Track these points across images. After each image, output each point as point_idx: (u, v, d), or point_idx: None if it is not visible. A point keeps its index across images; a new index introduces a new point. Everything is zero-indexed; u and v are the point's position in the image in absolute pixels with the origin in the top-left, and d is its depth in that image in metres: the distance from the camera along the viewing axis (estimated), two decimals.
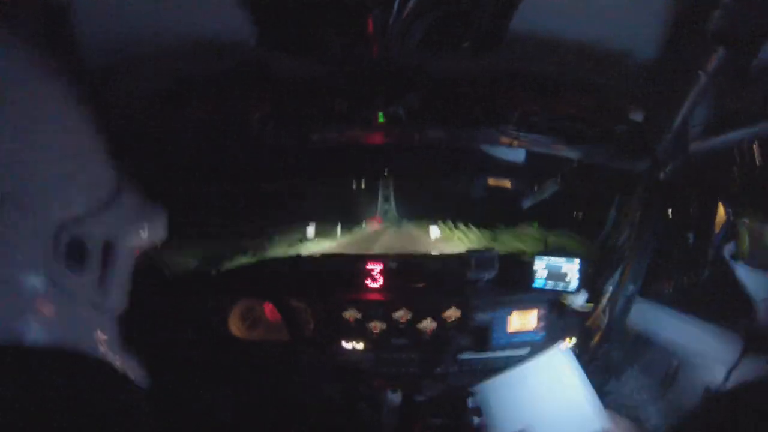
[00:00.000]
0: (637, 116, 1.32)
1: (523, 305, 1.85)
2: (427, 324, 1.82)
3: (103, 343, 0.55)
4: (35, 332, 0.45)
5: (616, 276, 1.67)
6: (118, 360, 0.56)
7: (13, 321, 0.45)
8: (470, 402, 1.49)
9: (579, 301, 1.79)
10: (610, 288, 1.69)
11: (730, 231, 1.26)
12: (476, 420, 1.50)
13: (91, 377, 0.49)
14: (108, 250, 0.54)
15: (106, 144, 0.57)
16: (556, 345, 1.48)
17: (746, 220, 1.14)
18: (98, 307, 0.54)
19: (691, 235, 1.47)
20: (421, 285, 1.98)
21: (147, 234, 0.65)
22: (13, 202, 0.43)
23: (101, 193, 0.55)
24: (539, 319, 1.84)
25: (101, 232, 0.53)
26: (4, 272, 0.44)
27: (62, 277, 0.47)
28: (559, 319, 1.87)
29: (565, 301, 1.82)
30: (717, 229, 1.33)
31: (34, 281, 0.45)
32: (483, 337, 1.82)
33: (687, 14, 0.91)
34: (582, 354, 1.78)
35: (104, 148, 0.57)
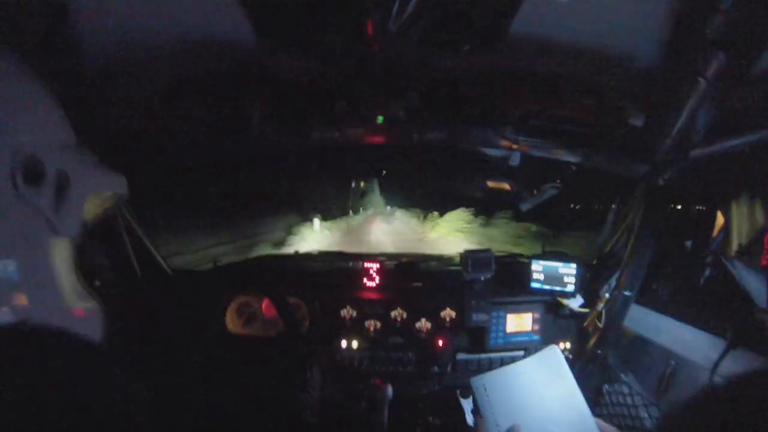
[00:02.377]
0: (637, 120, 1.31)
1: (520, 307, 1.85)
2: (424, 324, 1.82)
3: (86, 329, 0.56)
4: (8, 322, 0.46)
5: (613, 280, 1.67)
6: (107, 351, 0.56)
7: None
8: (466, 402, 1.49)
9: (575, 304, 1.79)
10: (607, 292, 1.69)
11: (728, 235, 1.26)
12: (472, 419, 1.50)
13: (80, 368, 0.48)
14: (63, 178, 0.58)
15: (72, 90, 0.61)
16: (549, 346, 1.49)
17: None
18: (51, 223, 0.57)
19: (688, 241, 1.47)
20: (417, 285, 1.98)
21: (105, 186, 0.69)
22: None
23: (63, 137, 0.59)
24: (535, 321, 1.84)
25: (58, 163, 0.57)
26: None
27: (22, 189, 0.50)
28: (556, 321, 1.87)
29: (562, 304, 1.82)
30: (715, 235, 1.33)
31: (6, 271, 0.46)
32: (479, 337, 1.82)
33: (687, 19, 0.91)
34: (577, 357, 1.79)
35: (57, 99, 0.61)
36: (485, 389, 1.39)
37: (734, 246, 1.23)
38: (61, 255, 0.73)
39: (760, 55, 0.85)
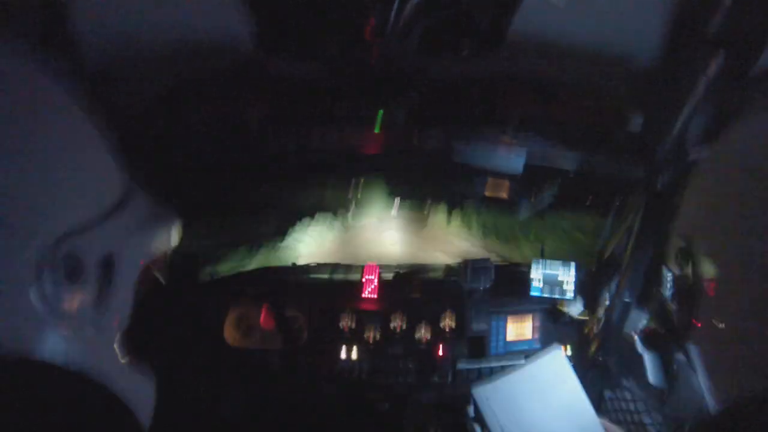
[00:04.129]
0: (637, 122, 1.32)
1: (520, 314, 1.84)
2: (423, 333, 1.80)
3: (108, 359, 0.52)
4: (45, 349, 0.43)
5: (613, 284, 1.66)
6: (122, 381, 0.53)
7: (23, 337, 0.42)
8: (469, 410, 1.46)
9: (576, 309, 1.78)
10: (607, 297, 1.68)
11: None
12: (476, 429, 1.47)
13: (94, 397, 0.47)
14: (109, 263, 0.49)
15: (112, 145, 0.53)
16: (552, 347, 1.47)
17: None
18: (97, 325, 0.49)
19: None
20: (417, 293, 1.96)
21: (156, 242, 0.60)
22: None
23: (106, 200, 0.50)
24: (536, 329, 1.83)
25: (102, 244, 0.49)
26: (12, 290, 0.41)
27: (56, 296, 0.43)
28: (556, 327, 1.86)
29: (562, 309, 1.81)
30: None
31: (42, 313, 0.43)
32: (479, 345, 1.80)
33: (687, 18, 0.92)
34: (579, 362, 1.77)
35: (109, 150, 0.53)
36: (488, 400, 1.36)
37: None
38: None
39: (760, 54, 0.85)
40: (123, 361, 0.55)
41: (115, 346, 0.54)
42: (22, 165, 0.41)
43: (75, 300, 0.46)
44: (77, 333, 0.47)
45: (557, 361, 1.39)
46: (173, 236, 0.66)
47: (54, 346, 0.44)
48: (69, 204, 0.46)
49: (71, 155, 0.47)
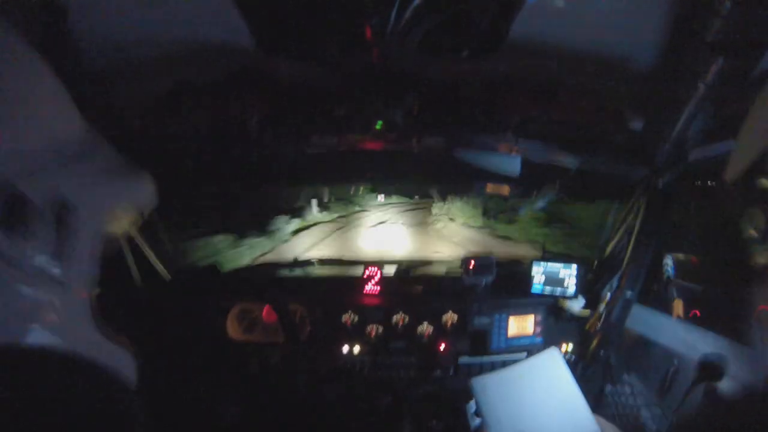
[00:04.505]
0: (637, 124, 1.32)
1: (521, 310, 1.85)
2: (425, 328, 1.82)
3: (80, 332, 0.48)
4: (34, 337, 0.41)
5: (614, 281, 1.67)
6: (110, 359, 0.50)
7: (12, 327, 0.40)
8: (469, 405, 1.49)
9: (577, 306, 1.79)
10: (608, 293, 1.69)
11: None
12: (475, 422, 1.49)
13: (85, 379, 0.46)
14: (65, 209, 0.44)
15: (71, 92, 0.50)
16: (549, 347, 1.49)
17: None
18: (58, 281, 0.43)
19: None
20: (419, 289, 1.97)
21: (125, 198, 0.54)
22: None
23: (61, 146, 0.45)
24: (537, 324, 1.84)
25: (57, 190, 0.43)
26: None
27: (6, 238, 0.38)
28: (557, 323, 1.87)
29: (563, 306, 1.82)
30: None
31: (34, 290, 0.41)
32: (481, 341, 1.82)
33: (687, 23, 0.91)
34: (580, 359, 1.79)
35: (67, 98, 0.49)
36: (485, 390, 1.39)
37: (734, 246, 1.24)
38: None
39: (758, 59, 0.85)
40: (98, 332, 0.51)
41: (89, 314, 0.49)
42: None
43: (28, 247, 0.41)
44: (42, 290, 0.42)
45: (553, 360, 1.41)
46: (148, 195, 0.61)
47: (23, 321, 0.40)
48: (19, 144, 0.42)
49: (19, 95, 0.44)
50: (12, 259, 0.39)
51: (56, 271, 0.44)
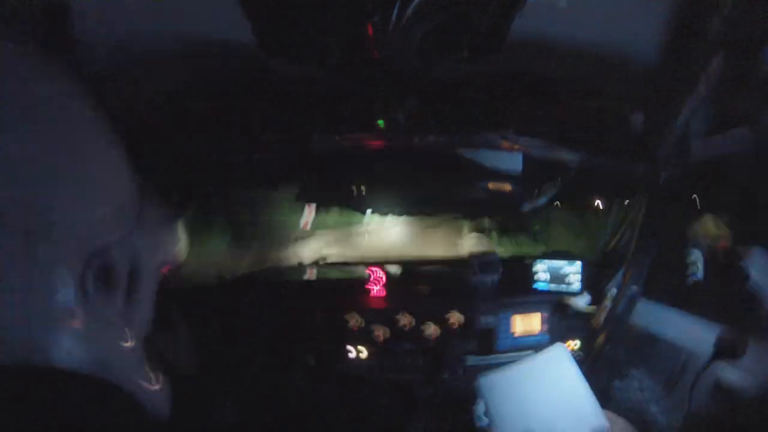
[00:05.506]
0: (638, 121, 1.32)
1: (527, 308, 1.85)
2: (431, 329, 1.81)
3: (130, 362, 0.53)
4: (66, 347, 0.44)
5: (619, 277, 1.67)
6: (143, 380, 0.54)
7: (43, 335, 0.43)
8: (479, 406, 1.49)
9: (582, 302, 1.79)
10: (613, 289, 1.69)
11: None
12: (483, 423, 1.49)
13: (118, 398, 0.48)
14: (135, 270, 0.53)
15: (124, 154, 0.54)
16: (555, 344, 1.49)
17: None
18: (128, 327, 0.52)
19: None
20: (424, 289, 1.97)
21: (171, 250, 0.62)
22: (40, 236, 0.41)
23: (127, 209, 0.52)
24: (543, 322, 1.84)
25: (128, 253, 0.51)
26: (36, 295, 0.42)
27: (93, 303, 0.46)
28: (563, 320, 1.87)
29: (569, 303, 1.82)
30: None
31: (66, 296, 0.43)
32: (487, 340, 1.82)
33: (688, 19, 0.91)
34: (586, 355, 1.79)
35: (123, 159, 0.54)
36: (493, 389, 1.39)
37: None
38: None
39: (759, 56, 0.85)
40: (142, 365, 0.56)
41: (135, 350, 0.55)
42: (34, 168, 0.41)
43: (109, 304, 0.48)
44: (105, 337, 0.49)
45: (560, 357, 1.41)
46: (184, 242, 0.68)
47: (79, 351, 0.45)
48: (83, 207, 0.46)
49: (81, 159, 0.48)
50: (96, 305, 0.46)
51: (127, 314, 0.52)
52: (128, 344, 0.53)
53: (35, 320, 0.41)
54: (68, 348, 0.44)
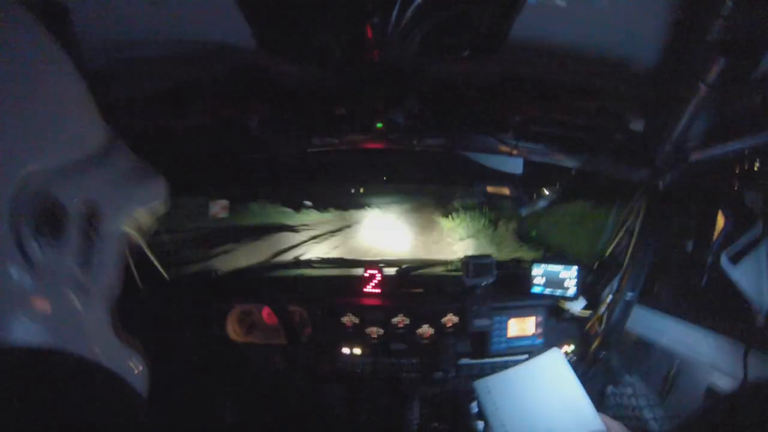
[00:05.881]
0: (637, 125, 1.32)
1: (522, 311, 1.85)
2: (426, 329, 1.81)
3: (99, 340, 0.47)
4: (25, 330, 0.38)
5: (615, 282, 1.67)
6: (115, 359, 0.50)
7: (34, 332, 0.38)
8: (472, 407, 1.49)
9: (577, 307, 1.79)
10: (609, 294, 1.69)
11: (729, 237, 1.27)
12: (476, 423, 1.49)
13: (86, 379, 0.45)
14: (93, 215, 0.43)
15: (93, 94, 0.48)
16: (551, 348, 1.48)
17: None
18: (84, 288, 0.42)
19: (689, 242, 1.48)
20: (419, 291, 1.97)
21: (143, 202, 0.53)
22: None
23: (87, 147, 0.44)
24: (538, 325, 1.84)
25: (83, 193, 0.42)
26: None
27: (38, 249, 0.36)
28: (558, 325, 1.87)
29: (564, 308, 1.82)
30: (715, 237, 1.34)
31: (22, 274, 0.37)
32: (482, 342, 1.81)
33: (688, 23, 0.91)
34: (581, 360, 1.78)
35: (91, 98, 0.48)
36: (489, 392, 1.38)
37: (733, 248, 1.24)
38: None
39: (760, 59, 0.85)
40: (117, 338, 0.50)
41: (107, 320, 0.48)
42: None
43: (59, 254, 0.39)
44: (63, 301, 0.41)
45: (555, 360, 1.41)
46: (161, 199, 0.61)
47: (38, 322, 0.38)
48: (48, 144, 0.40)
49: (49, 93, 0.42)
50: (43, 266, 0.38)
51: (84, 278, 0.43)
52: (93, 318, 0.44)
53: None
54: (27, 331, 0.38)
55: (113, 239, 0.48)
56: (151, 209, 0.57)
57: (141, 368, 0.52)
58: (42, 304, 0.39)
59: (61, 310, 0.41)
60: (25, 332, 0.38)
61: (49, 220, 0.37)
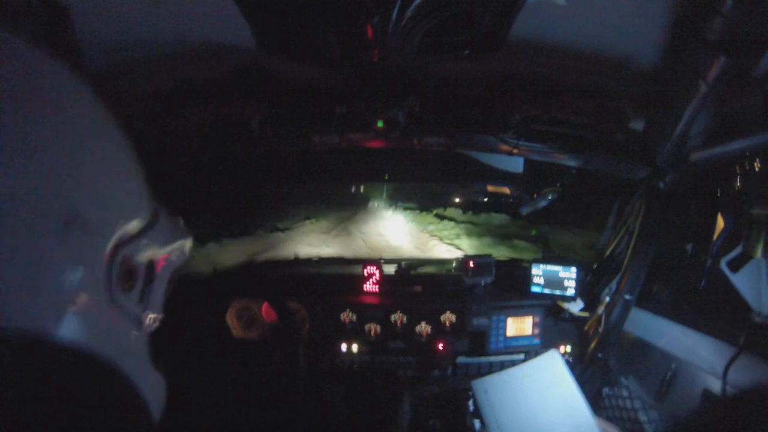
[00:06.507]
0: (638, 124, 1.31)
1: (520, 311, 1.85)
2: (424, 327, 1.82)
3: (137, 354, 0.56)
4: (66, 329, 0.45)
5: (614, 283, 1.67)
6: (142, 376, 0.56)
7: (43, 315, 0.44)
8: (469, 405, 1.49)
9: (576, 308, 1.79)
10: (608, 295, 1.69)
11: (729, 239, 1.27)
12: (475, 423, 1.50)
13: (114, 387, 0.49)
14: (150, 269, 0.56)
15: (138, 161, 0.57)
16: (550, 349, 1.49)
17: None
18: (138, 323, 0.54)
19: (689, 244, 1.47)
20: (417, 289, 1.98)
21: (178, 254, 0.65)
22: (81, 222, 0.43)
23: (145, 212, 0.55)
24: (536, 325, 1.84)
25: (147, 252, 0.54)
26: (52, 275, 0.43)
27: (116, 295, 0.48)
28: (556, 325, 1.87)
29: (562, 308, 1.82)
30: (715, 238, 1.34)
31: (75, 276, 0.45)
32: (480, 341, 1.82)
33: (687, 21, 0.90)
34: (578, 361, 1.79)
35: (138, 165, 0.57)
36: (486, 392, 1.39)
37: (733, 250, 1.24)
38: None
39: (760, 57, 0.84)
40: (147, 360, 0.59)
41: (142, 344, 0.58)
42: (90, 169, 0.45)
43: (128, 303, 0.51)
44: (118, 327, 0.51)
45: (554, 362, 1.41)
46: (189, 242, 0.72)
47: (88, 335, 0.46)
48: (127, 211, 0.51)
49: (116, 166, 0.51)
50: (116, 305, 0.48)
51: (140, 317, 0.55)
52: (137, 337, 0.55)
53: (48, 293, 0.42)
54: (76, 328, 0.45)
55: (162, 280, 0.61)
56: (183, 260, 0.68)
57: (162, 392, 0.62)
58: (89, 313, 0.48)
59: (119, 330, 0.51)
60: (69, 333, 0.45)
61: (127, 276, 0.50)
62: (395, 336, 1.83)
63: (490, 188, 1.90)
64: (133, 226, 0.52)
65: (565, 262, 1.81)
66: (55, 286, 0.42)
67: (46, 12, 0.87)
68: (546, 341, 1.83)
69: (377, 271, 1.95)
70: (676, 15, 0.92)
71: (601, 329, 1.69)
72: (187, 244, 0.68)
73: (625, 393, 1.67)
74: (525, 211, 1.99)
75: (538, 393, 1.36)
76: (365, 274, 1.95)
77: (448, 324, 1.83)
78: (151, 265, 0.56)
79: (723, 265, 1.25)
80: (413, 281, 2.02)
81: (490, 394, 1.38)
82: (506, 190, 1.88)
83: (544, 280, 1.83)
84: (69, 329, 0.43)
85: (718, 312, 1.32)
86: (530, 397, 1.36)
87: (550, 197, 1.89)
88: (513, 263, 2.10)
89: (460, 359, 1.83)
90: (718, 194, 1.31)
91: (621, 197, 1.74)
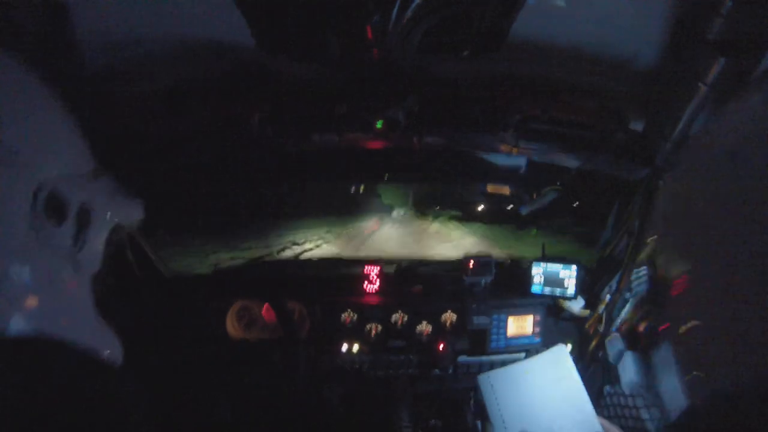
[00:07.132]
0: (637, 124, 1.32)
1: (521, 310, 1.85)
2: (424, 327, 1.82)
3: (85, 309, 0.58)
4: (21, 325, 0.46)
5: (614, 282, 1.67)
6: (107, 352, 0.58)
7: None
8: (471, 404, 1.50)
9: (576, 306, 1.79)
10: (608, 294, 1.69)
11: None
12: (477, 421, 1.50)
13: (82, 372, 0.49)
14: (85, 213, 0.58)
15: (87, 131, 0.62)
16: (557, 345, 1.48)
17: None
18: (73, 262, 0.56)
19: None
20: (418, 288, 1.98)
21: (122, 214, 0.68)
22: (9, 154, 0.46)
23: (82, 167, 0.59)
24: (536, 324, 1.85)
25: (80, 196, 0.57)
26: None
27: (44, 229, 0.50)
28: (557, 324, 1.87)
29: (563, 307, 1.82)
30: None
31: (22, 273, 0.46)
32: (480, 340, 1.82)
33: (687, 23, 0.91)
34: (579, 359, 1.79)
35: (83, 131, 0.62)
36: (492, 387, 1.39)
37: None
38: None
39: (759, 58, 0.85)
40: (98, 313, 0.61)
41: (93, 296, 0.61)
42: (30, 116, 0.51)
43: (58, 237, 0.54)
44: (59, 268, 0.54)
45: (560, 357, 1.41)
46: (136, 216, 0.75)
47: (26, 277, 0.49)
48: (63, 154, 0.56)
49: (64, 120, 0.58)
50: (47, 245, 0.51)
51: (76, 255, 0.57)
52: (75, 287, 0.58)
53: None
54: (23, 326, 0.47)
55: (99, 233, 0.62)
56: (130, 222, 0.73)
57: (116, 344, 0.63)
58: (40, 306, 0.50)
59: (56, 275, 0.54)
60: (24, 327, 0.47)
61: (56, 210, 0.53)
62: (396, 336, 1.83)
63: (490, 188, 1.90)
64: (65, 167, 0.56)
65: (565, 261, 1.81)
66: None
67: (46, 11, 0.87)
68: (547, 340, 1.83)
69: (377, 270, 1.95)
70: (675, 16, 0.93)
71: (601, 328, 1.69)
72: (135, 212, 0.73)
73: (626, 391, 1.67)
74: (525, 211, 1.99)
75: (543, 389, 1.36)
76: (365, 274, 1.95)
77: (448, 323, 1.83)
78: (85, 211, 0.59)
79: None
80: (414, 281, 2.02)
81: (496, 388, 1.38)
82: (506, 190, 1.88)
83: (545, 279, 1.83)
84: None
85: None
86: (535, 393, 1.36)
87: (549, 198, 1.89)
88: (513, 263, 2.10)
89: (461, 359, 1.83)
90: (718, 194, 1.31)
91: (621, 197, 1.74)
